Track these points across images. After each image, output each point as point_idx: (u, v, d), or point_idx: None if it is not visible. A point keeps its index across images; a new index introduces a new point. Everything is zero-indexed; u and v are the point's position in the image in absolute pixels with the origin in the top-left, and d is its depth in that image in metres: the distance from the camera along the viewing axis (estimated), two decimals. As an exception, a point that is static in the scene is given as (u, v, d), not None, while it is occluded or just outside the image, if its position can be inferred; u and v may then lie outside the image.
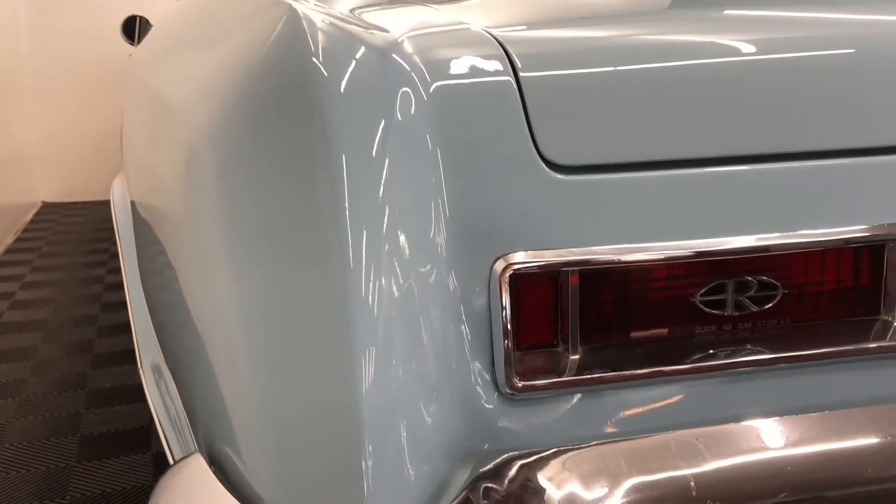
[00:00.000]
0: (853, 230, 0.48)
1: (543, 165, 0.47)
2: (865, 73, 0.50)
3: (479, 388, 0.45)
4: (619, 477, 0.43)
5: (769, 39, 0.51)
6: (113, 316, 2.50)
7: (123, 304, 2.54)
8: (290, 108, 0.43)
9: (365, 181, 0.42)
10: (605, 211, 0.47)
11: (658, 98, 0.48)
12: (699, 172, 0.47)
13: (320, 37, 0.43)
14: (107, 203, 2.11)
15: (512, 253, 0.46)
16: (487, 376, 0.46)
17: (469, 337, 0.45)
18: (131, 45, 2.94)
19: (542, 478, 0.43)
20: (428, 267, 0.44)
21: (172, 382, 0.81)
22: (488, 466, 0.44)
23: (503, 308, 0.46)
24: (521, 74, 0.48)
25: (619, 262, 0.47)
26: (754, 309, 0.50)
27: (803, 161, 0.48)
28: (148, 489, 1.45)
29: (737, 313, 0.50)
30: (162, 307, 0.68)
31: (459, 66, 0.48)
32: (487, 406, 0.45)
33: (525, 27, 0.55)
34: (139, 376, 1.13)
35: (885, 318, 0.49)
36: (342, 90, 0.42)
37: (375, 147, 0.43)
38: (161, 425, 0.83)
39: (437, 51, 0.48)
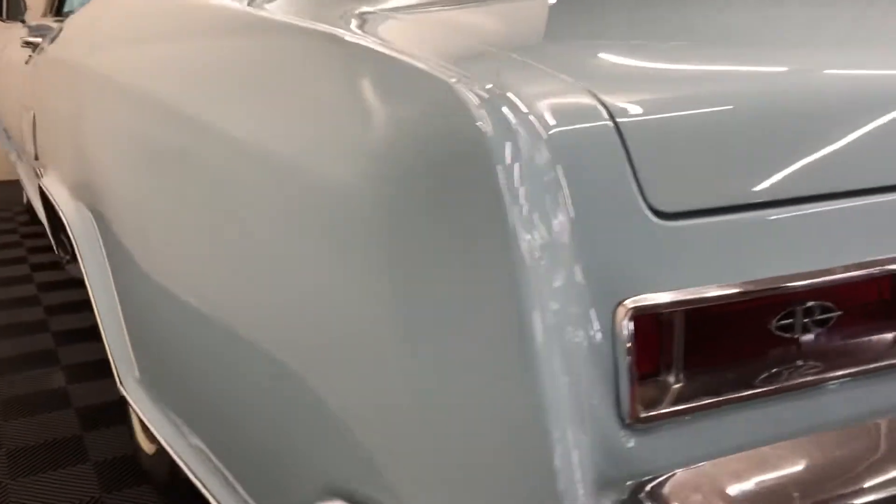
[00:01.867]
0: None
1: (650, 214, 0.52)
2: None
3: (604, 420, 0.50)
4: (737, 488, 0.49)
5: (860, 77, 0.58)
6: (6, 314, 2.35)
7: (12, 302, 2.39)
8: (461, 177, 0.45)
9: (529, 234, 0.45)
10: (705, 252, 0.52)
11: (751, 142, 0.54)
12: (787, 211, 0.53)
13: (480, 109, 0.46)
14: None
15: (629, 297, 0.50)
16: (612, 408, 0.50)
17: (593, 373, 0.49)
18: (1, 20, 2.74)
19: (675, 497, 0.49)
20: (565, 309, 0.48)
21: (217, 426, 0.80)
22: (625, 492, 0.49)
23: (625, 346, 0.50)
24: (619, 121, 0.52)
25: (718, 298, 0.52)
26: (817, 330, 0.56)
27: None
28: (99, 502, 1.41)
29: (803, 336, 0.56)
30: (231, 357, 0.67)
31: (567, 119, 0.51)
32: (613, 435, 0.50)
33: (607, 68, 0.59)
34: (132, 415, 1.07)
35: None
36: (507, 158, 0.45)
37: (534, 206, 0.46)
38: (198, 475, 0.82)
39: (547, 105, 0.51)
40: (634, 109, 0.53)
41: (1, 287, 2.64)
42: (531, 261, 0.46)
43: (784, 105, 0.56)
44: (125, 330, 1.08)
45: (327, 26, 0.62)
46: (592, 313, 0.49)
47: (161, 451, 1.29)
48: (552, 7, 0.77)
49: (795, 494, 0.50)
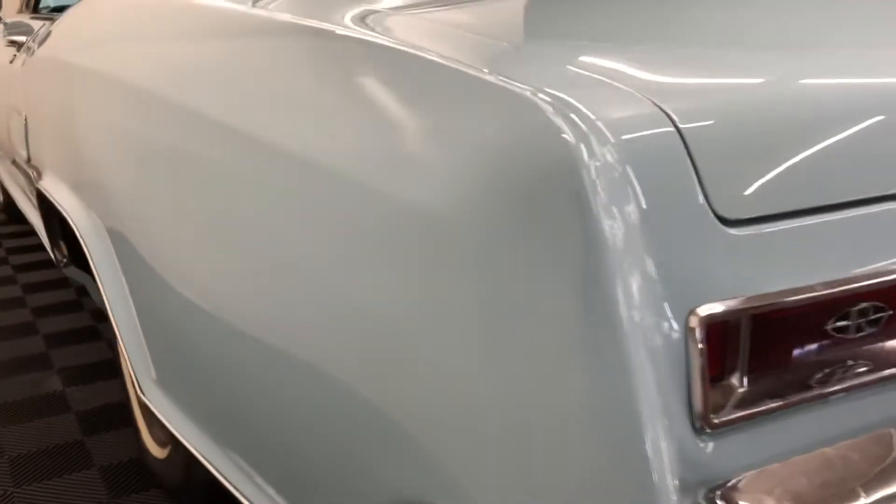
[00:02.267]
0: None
1: (716, 221, 0.53)
2: None
3: (679, 425, 0.51)
4: (807, 488, 0.51)
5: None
6: (-8, 318, 2.31)
7: (6, 304, 2.35)
8: (549, 193, 0.46)
9: (615, 246, 0.46)
10: (768, 257, 0.53)
11: (808, 146, 0.55)
12: (850, 214, 0.55)
13: (564, 127, 0.46)
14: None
15: (700, 304, 0.51)
16: (685, 414, 0.51)
17: (668, 380, 0.50)
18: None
19: (749, 500, 0.50)
20: (645, 318, 0.49)
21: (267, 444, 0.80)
22: (701, 496, 0.50)
23: (698, 353, 0.51)
24: (683, 130, 0.53)
25: (783, 301, 0.53)
26: (870, 330, 0.58)
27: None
28: (108, 508, 1.40)
29: (857, 335, 0.58)
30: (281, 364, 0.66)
31: (636, 131, 0.52)
32: (687, 441, 0.51)
33: (666, 76, 0.59)
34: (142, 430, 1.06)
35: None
36: (592, 173, 0.46)
37: (616, 218, 0.47)
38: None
39: (617, 117, 0.52)
40: (697, 117, 0.54)
41: (-19, 289, 2.60)
42: (619, 271, 0.47)
43: (840, 107, 0.57)
44: (143, 338, 1.07)
45: (404, 44, 0.62)
46: (666, 321, 0.50)
47: (174, 455, 1.28)
48: (597, 16, 0.77)
49: (861, 492, 0.52)
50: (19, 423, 1.70)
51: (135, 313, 1.09)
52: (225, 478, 0.87)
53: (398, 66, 0.60)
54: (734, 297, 0.52)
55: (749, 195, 0.54)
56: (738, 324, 0.53)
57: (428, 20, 0.82)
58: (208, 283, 0.85)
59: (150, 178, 0.98)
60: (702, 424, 0.52)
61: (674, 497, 0.48)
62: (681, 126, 0.53)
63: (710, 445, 0.52)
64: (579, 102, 0.51)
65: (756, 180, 0.54)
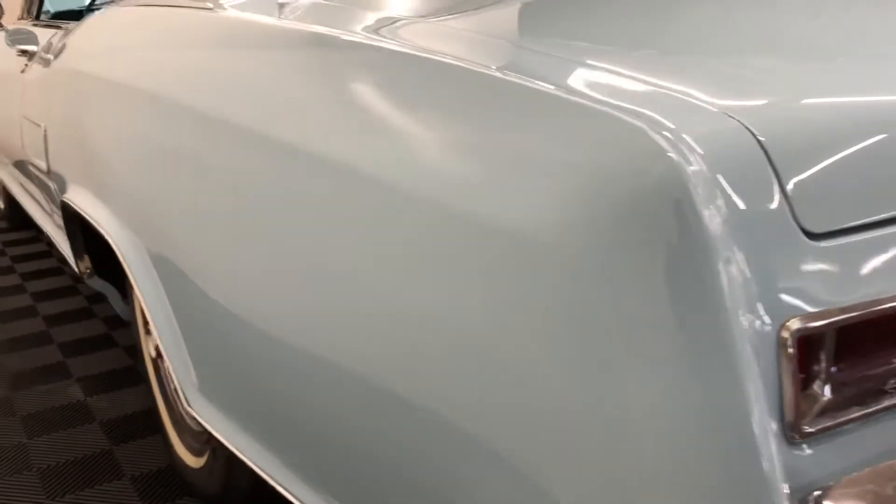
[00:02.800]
0: None
1: (802, 235, 0.54)
2: None
3: (773, 434, 0.52)
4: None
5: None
6: (4, 328, 2.30)
7: (9, 314, 2.34)
8: (662, 216, 0.47)
9: (722, 262, 0.48)
10: (855, 267, 0.55)
11: (888, 154, 0.56)
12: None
13: (671, 151, 0.48)
14: None
15: (791, 317, 0.53)
16: (777, 423, 0.52)
17: (764, 391, 0.52)
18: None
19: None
20: (741, 331, 0.50)
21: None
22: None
23: (791, 368, 0.52)
24: (763, 143, 0.54)
25: (868, 312, 0.54)
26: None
27: None
28: (144, 518, 1.40)
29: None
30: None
31: (723, 145, 0.53)
32: (781, 449, 0.52)
33: (744, 92, 0.60)
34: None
35: None
36: (697, 194, 0.47)
37: (719, 235, 0.48)
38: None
39: (709, 137, 0.53)
40: (776, 131, 0.55)
41: (-7, 299, 2.59)
42: (720, 285, 0.48)
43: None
44: (185, 347, 1.08)
45: (463, 60, 0.62)
46: (760, 333, 0.52)
47: (211, 464, 1.29)
48: (662, 34, 0.78)
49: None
50: (45, 435, 1.70)
51: (176, 323, 1.10)
52: (283, 486, 0.88)
53: (469, 85, 0.61)
54: (822, 309, 0.53)
55: (832, 207, 0.55)
56: (825, 334, 0.54)
57: (465, 31, 0.82)
58: (258, 292, 0.86)
59: (190, 188, 0.99)
60: (792, 433, 0.53)
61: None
62: (762, 140, 0.54)
63: (801, 454, 0.53)
64: (671, 122, 0.52)
65: (837, 192, 0.55)
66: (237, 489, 1.25)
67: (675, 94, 0.59)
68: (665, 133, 0.50)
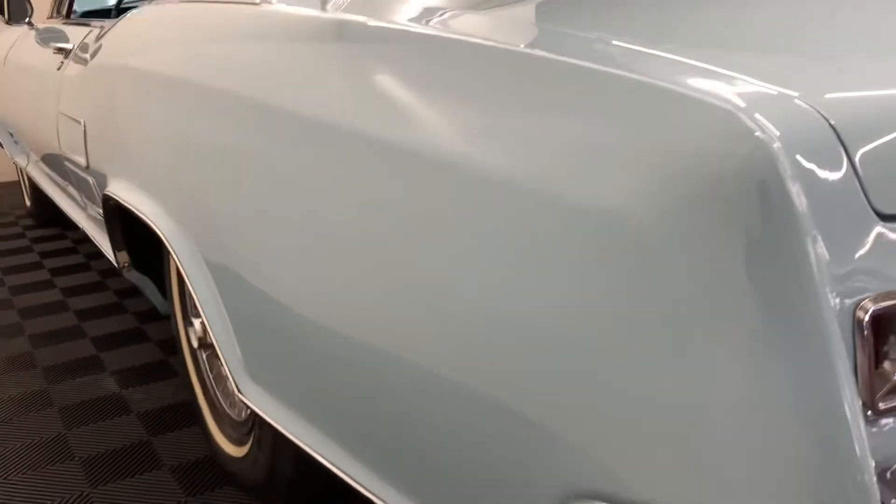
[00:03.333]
0: None
1: (875, 217, 0.55)
2: None
3: (854, 413, 0.53)
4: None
5: None
6: (38, 322, 2.33)
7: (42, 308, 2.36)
8: (753, 198, 0.49)
9: (808, 243, 0.50)
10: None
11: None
12: None
13: (760, 134, 0.49)
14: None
15: (865, 298, 0.54)
16: (853, 400, 0.54)
17: (839, 368, 0.53)
18: (7, 23, 2.70)
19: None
20: (823, 312, 0.52)
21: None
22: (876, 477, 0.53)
23: (866, 346, 0.54)
24: (839, 130, 0.55)
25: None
26: None
27: None
28: (187, 506, 1.42)
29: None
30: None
31: (803, 133, 0.54)
32: (856, 427, 0.53)
33: (816, 77, 0.62)
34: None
35: None
36: (783, 177, 0.49)
37: (803, 217, 0.50)
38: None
39: (788, 122, 0.54)
40: (849, 118, 0.56)
41: (25, 293, 2.62)
42: (814, 268, 0.50)
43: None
44: (235, 337, 1.10)
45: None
46: (838, 314, 0.53)
47: (255, 453, 1.31)
48: (729, 27, 0.80)
49: None
50: (84, 426, 1.73)
51: (225, 311, 1.11)
52: (336, 466, 0.90)
53: (555, 75, 0.62)
54: (892, 289, 0.55)
55: (904, 190, 0.56)
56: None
57: (516, 20, 0.84)
58: (310, 279, 0.87)
59: (240, 179, 1.01)
60: (868, 410, 0.54)
61: (875, 484, 0.51)
62: (834, 125, 0.55)
63: (877, 430, 0.55)
64: (751, 107, 0.53)
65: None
66: (281, 477, 1.27)
67: (748, 81, 0.60)
68: (751, 115, 0.52)
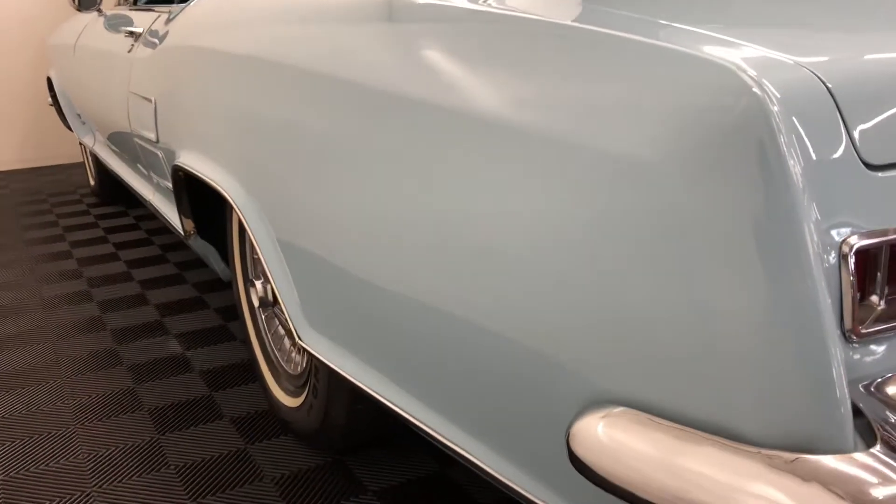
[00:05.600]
0: None
1: (863, 167, 0.63)
2: None
3: (834, 334, 0.61)
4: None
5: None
6: (105, 290, 2.49)
7: (109, 278, 2.52)
8: (754, 146, 0.58)
9: (800, 185, 0.58)
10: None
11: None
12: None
13: (759, 90, 0.58)
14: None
15: (851, 236, 0.62)
16: (837, 325, 0.62)
17: (824, 296, 0.61)
18: (77, 9, 2.85)
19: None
20: (811, 246, 0.60)
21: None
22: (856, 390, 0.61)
23: (850, 278, 0.62)
24: (832, 89, 0.64)
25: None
26: None
27: None
28: (245, 453, 1.55)
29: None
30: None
31: (798, 92, 0.63)
32: (837, 349, 0.62)
33: (812, 44, 0.70)
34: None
35: None
36: (779, 129, 0.58)
37: (796, 164, 0.58)
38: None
39: (783, 81, 0.62)
40: (841, 78, 0.65)
41: (93, 265, 2.79)
42: (796, 205, 0.58)
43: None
44: (296, 291, 1.21)
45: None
46: (825, 250, 0.61)
47: (311, 401, 1.43)
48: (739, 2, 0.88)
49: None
50: (151, 381, 1.87)
51: (287, 268, 1.23)
52: (395, 404, 1.00)
53: (584, 43, 0.72)
54: (878, 230, 0.63)
55: (888, 144, 0.64)
56: (879, 253, 0.63)
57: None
58: (368, 235, 0.98)
59: (305, 148, 1.11)
60: (851, 335, 0.63)
61: (845, 390, 0.59)
62: (830, 87, 0.64)
63: (858, 351, 0.63)
64: (754, 69, 0.62)
65: (893, 131, 0.65)
66: (335, 424, 1.39)
67: (751, 47, 0.68)
68: (749, 73, 0.60)
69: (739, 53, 0.65)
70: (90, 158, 3.74)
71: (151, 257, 2.85)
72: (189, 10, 1.76)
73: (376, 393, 1.03)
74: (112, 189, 3.61)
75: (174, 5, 2.05)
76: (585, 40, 0.73)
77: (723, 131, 0.59)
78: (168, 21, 1.90)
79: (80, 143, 3.70)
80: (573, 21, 0.76)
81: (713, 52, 0.64)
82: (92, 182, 3.85)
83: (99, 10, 2.90)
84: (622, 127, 0.65)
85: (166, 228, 3.18)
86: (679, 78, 0.64)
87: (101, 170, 3.53)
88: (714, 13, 0.81)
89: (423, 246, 0.90)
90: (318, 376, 1.36)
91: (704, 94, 0.62)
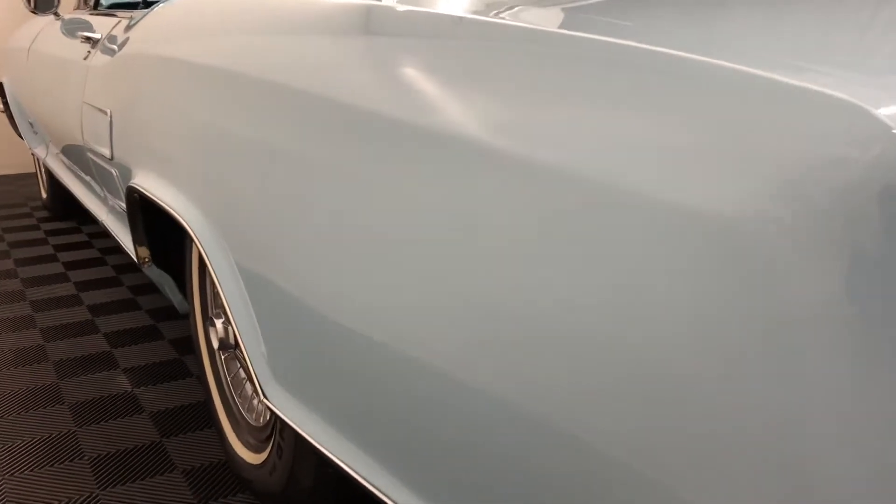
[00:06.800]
0: None
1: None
2: None
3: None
4: None
5: None
6: (51, 315, 2.29)
7: (55, 301, 2.32)
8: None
9: None
10: None
11: None
12: None
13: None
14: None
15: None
16: None
17: None
18: (32, 11, 2.67)
19: None
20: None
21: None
22: None
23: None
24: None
25: None
26: None
27: None
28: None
29: None
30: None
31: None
32: None
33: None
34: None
35: None
36: None
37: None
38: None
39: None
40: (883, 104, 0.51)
41: (39, 286, 2.58)
42: None
43: None
44: (263, 340, 1.05)
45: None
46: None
47: (274, 460, 1.26)
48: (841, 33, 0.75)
49: None
50: (95, 424, 1.68)
51: (252, 311, 1.07)
52: (371, 483, 0.85)
53: (663, 69, 0.57)
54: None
55: None
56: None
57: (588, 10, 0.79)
58: (344, 283, 0.83)
59: (276, 173, 0.96)
60: None
61: None
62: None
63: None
64: (883, 106, 0.48)
65: None
66: (300, 487, 1.22)
67: (863, 80, 0.54)
68: (882, 112, 0.46)
69: (858, 88, 0.51)
70: (42, 170, 3.53)
71: (103, 279, 2.65)
72: (151, 17, 1.60)
73: (350, 467, 0.87)
74: (65, 203, 3.40)
75: (135, 11, 1.89)
76: (638, 64, 0.58)
77: (847, 189, 0.45)
78: (128, 27, 1.73)
79: (32, 154, 3.49)
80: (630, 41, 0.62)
81: (823, 81, 0.50)
82: (44, 195, 3.63)
83: (56, 14, 2.72)
84: (698, 177, 0.51)
85: (121, 248, 2.98)
86: (783, 116, 0.49)
87: (55, 182, 3.32)
88: (812, 41, 0.67)
89: (408, 292, 0.75)
90: (284, 434, 1.20)
91: (820, 136, 0.47)
